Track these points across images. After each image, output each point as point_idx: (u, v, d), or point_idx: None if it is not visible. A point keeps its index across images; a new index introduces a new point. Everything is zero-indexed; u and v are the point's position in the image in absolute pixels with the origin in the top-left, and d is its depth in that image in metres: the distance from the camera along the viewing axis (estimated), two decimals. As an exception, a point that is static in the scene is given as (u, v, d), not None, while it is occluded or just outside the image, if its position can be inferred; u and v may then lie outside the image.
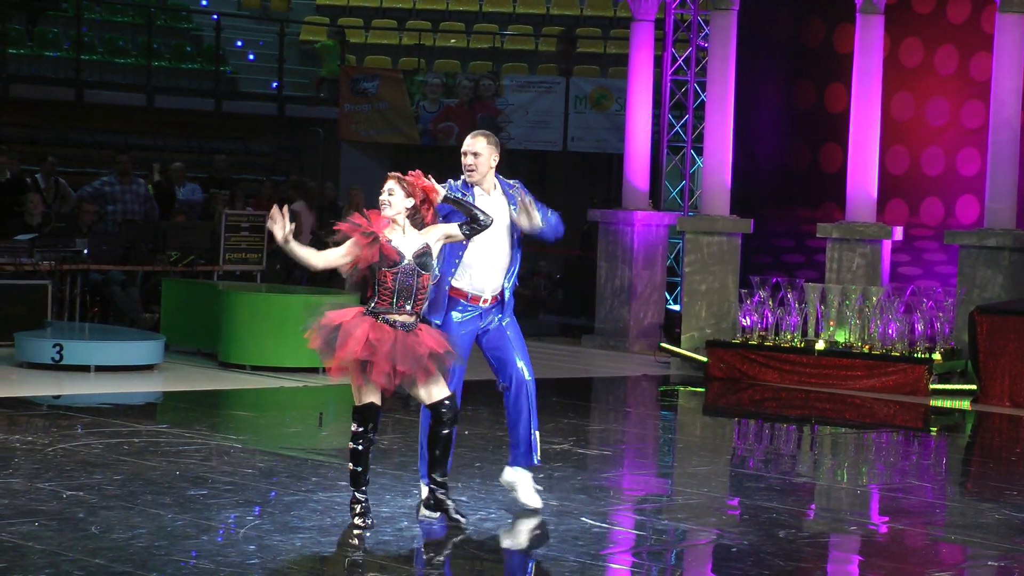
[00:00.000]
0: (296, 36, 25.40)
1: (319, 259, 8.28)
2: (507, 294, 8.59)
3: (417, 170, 8.30)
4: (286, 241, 8.02)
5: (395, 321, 8.08)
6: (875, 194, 15.99)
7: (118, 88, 22.72)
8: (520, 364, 8.59)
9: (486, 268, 8.53)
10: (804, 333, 15.69)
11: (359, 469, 8.15)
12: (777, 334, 15.70)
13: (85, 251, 16.17)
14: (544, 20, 25.84)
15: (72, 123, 22.51)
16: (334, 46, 24.06)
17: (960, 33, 16.30)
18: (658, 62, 18.28)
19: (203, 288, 16.05)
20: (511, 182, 8.64)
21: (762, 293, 15.72)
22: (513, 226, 8.56)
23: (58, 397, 12.91)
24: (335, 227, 8.30)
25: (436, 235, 8.24)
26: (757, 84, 17.38)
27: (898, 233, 16.07)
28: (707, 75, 17.01)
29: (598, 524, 8.47)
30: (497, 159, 8.57)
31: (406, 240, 8.17)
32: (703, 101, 17.43)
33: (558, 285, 22.02)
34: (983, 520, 9.16)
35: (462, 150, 8.57)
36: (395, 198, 8.18)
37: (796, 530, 8.68)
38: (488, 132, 8.65)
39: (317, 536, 7.98)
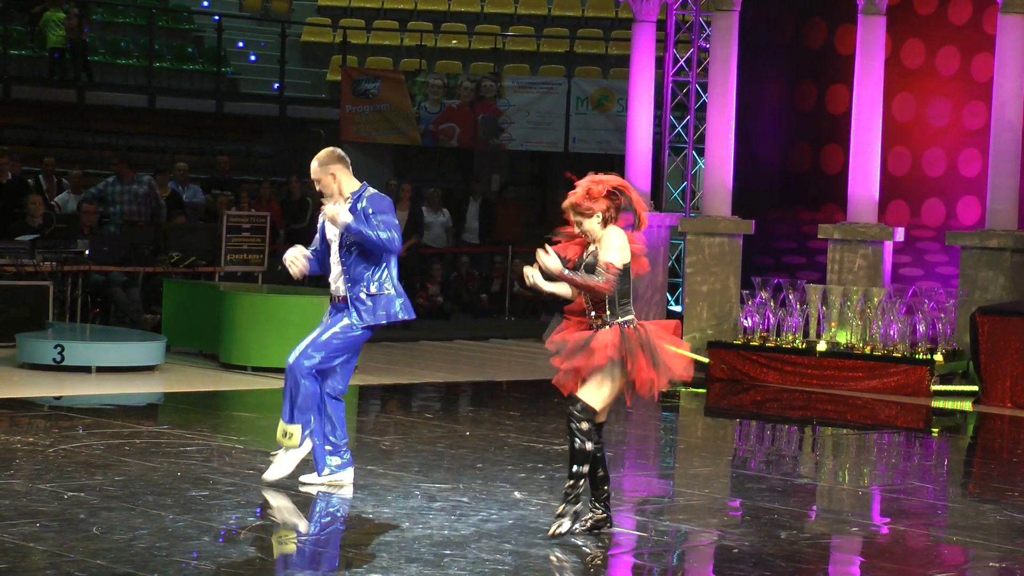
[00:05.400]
0: (298, 37, 25.42)
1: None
2: (349, 297, 8.98)
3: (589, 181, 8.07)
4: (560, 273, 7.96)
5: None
6: (876, 195, 15.98)
7: (120, 89, 22.73)
8: (297, 348, 9.03)
9: (333, 272, 9.04)
10: (805, 334, 15.69)
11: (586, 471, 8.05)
12: (778, 335, 15.69)
13: (86, 252, 16.17)
14: (546, 21, 25.85)
15: (74, 124, 22.52)
16: (54, 15, 22.07)
17: (962, 34, 16.29)
18: (660, 63, 18.27)
19: (204, 289, 16.05)
20: (369, 195, 8.95)
21: (763, 294, 15.72)
22: (343, 237, 8.92)
23: (59, 398, 12.90)
24: (559, 229, 8.19)
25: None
26: (759, 85, 17.37)
27: (899, 234, 16.07)
28: (708, 76, 17.01)
29: (599, 525, 8.45)
30: (335, 174, 8.91)
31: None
32: (704, 102, 17.43)
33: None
34: (984, 521, 9.16)
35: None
36: (590, 226, 8.01)
37: (798, 531, 8.68)
38: (322, 153, 9.01)
39: (319, 537, 7.97)
